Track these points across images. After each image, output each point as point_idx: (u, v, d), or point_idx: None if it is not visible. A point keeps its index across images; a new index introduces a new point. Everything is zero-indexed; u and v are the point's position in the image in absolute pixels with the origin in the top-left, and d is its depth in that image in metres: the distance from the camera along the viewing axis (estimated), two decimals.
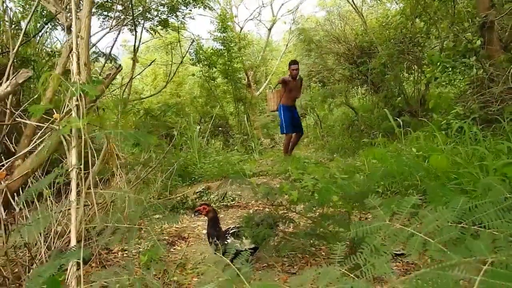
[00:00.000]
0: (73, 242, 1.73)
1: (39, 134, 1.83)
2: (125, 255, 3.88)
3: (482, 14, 5.64)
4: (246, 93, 11.27)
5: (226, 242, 2.91)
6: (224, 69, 10.54)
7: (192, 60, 10.67)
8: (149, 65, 7.79)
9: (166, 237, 4.53)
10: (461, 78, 6.92)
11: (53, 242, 3.11)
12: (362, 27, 10.19)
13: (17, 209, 1.75)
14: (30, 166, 1.76)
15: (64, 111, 1.86)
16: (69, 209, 3.68)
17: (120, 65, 2.34)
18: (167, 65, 12.35)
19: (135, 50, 4.49)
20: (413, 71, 9.11)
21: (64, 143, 1.82)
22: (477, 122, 4.94)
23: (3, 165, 1.87)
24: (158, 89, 10.55)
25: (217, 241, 2.93)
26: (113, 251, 3.83)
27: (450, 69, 6.79)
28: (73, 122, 1.56)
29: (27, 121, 1.91)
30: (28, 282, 1.12)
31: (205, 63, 10.49)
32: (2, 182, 1.63)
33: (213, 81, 10.95)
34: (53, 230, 3.25)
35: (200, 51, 10.34)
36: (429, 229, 0.92)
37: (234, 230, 3.03)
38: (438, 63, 6.62)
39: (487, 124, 4.98)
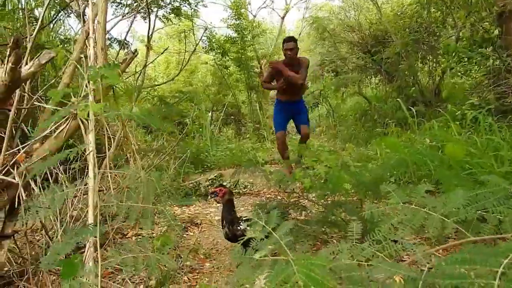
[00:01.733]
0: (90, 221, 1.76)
1: (56, 118, 1.86)
2: (139, 239, 3.95)
3: (500, 3, 5.55)
4: (259, 81, 11.24)
5: (239, 228, 2.92)
6: (237, 57, 10.52)
7: (205, 48, 10.67)
8: (161, 53, 7.81)
9: (179, 223, 4.58)
10: (477, 68, 6.82)
11: (69, 226, 3.18)
12: (377, 16, 10.07)
13: (36, 190, 1.79)
14: (49, 149, 1.79)
15: (81, 95, 1.89)
16: (85, 194, 3.75)
17: (136, 50, 2.36)
18: (180, 53, 12.37)
19: (149, 38, 4.50)
20: (427, 61, 9.00)
21: (82, 126, 1.85)
22: (492, 113, 4.88)
23: (20, 149, 1.90)
24: (171, 77, 10.57)
25: (230, 226, 2.94)
26: (127, 236, 3.90)
27: (466, 59, 6.71)
28: (90, 106, 1.58)
29: (45, 105, 1.94)
30: (45, 259, 1.15)
31: (218, 51, 10.48)
32: (22, 165, 1.67)
33: (226, 70, 10.94)
34: (68, 214, 3.32)
35: (213, 39, 10.33)
36: (443, 211, 0.92)
37: (249, 217, 3.03)
38: (454, 53, 6.54)
39: (502, 115, 4.93)
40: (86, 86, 1.86)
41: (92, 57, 1.82)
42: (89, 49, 1.89)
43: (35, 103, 1.91)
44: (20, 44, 0.89)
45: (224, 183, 5.67)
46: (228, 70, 11.08)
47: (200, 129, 8.85)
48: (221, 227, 3.01)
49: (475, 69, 6.88)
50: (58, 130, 1.79)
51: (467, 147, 4.07)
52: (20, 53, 0.91)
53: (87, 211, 3.48)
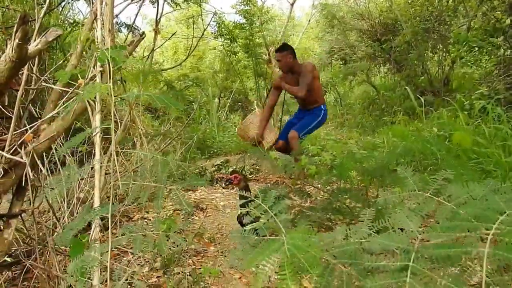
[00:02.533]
0: (97, 203, 1.78)
1: (64, 99, 1.87)
2: (144, 223, 3.99)
3: None
4: (267, 68, 11.19)
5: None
6: (245, 43, 10.46)
7: (214, 34, 10.61)
8: (169, 38, 7.80)
9: (190, 202, 4.62)
10: (487, 58, 6.75)
11: (76, 208, 3.21)
12: (387, 4, 9.95)
13: (44, 170, 1.81)
14: (56, 130, 1.80)
15: (89, 77, 1.89)
16: (91, 177, 3.78)
17: (143, 32, 2.35)
18: (188, 38, 12.31)
19: (157, 22, 4.48)
20: (437, 50, 8.90)
21: (89, 108, 1.86)
22: (502, 104, 4.84)
23: (27, 129, 1.92)
24: (178, 62, 10.55)
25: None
26: (133, 219, 3.94)
27: (476, 49, 6.63)
28: (97, 88, 1.58)
29: (53, 86, 1.95)
30: (60, 235, 1.16)
31: (227, 37, 10.42)
32: (29, 145, 1.68)
33: (234, 56, 10.89)
34: (75, 196, 3.35)
35: (222, 25, 10.27)
36: (457, 202, 0.93)
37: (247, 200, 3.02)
38: (465, 42, 6.47)
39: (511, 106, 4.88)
40: (94, 68, 1.87)
41: (99, 38, 1.82)
42: (96, 31, 1.88)
43: (43, 83, 1.93)
44: (27, 20, 0.89)
45: (230, 169, 5.70)
46: (236, 57, 11.03)
47: (207, 116, 8.86)
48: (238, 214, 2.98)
49: (485, 59, 6.81)
50: (66, 111, 1.80)
51: (475, 136, 4.05)
52: (27, 29, 0.91)
53: (93, 194, 3.52)
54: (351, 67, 10.94)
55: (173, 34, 5.89)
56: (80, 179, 3.81)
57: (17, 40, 0.88)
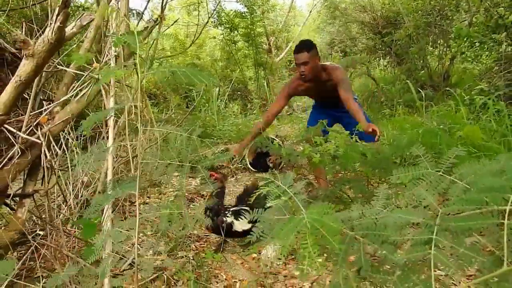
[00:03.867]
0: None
1: (79, 83, 1.90)
2: (146, 208, 4.03)
3: None
4: (267, 58, 11.19)
5: (225, 219, 2.91)
6: (246, 32, 10.46)
7: (214, 22, 10.60)
8: (171, 25, 7.76)
9: (186, 194, 4.67)
10: (488, 54, 6.78)
11: (80, 192, 3.25)
12: None
13: (60, 152, 1.84)
14: (70, 112, 1.83)
15: (103, 60, 1.92)
16: (94, 161, 3.80)
17: (157, 18, 2.37)
18: (188, 26, 12.28)
19: (162, 8, 4.48)
20: (438, 45, 8.93)
21: (103, 91, 1.89)
22: (502, 100, 4.89)
23: (42, 111, 1.94)
24: (179, 50, 10.53)
25: (215, 217, 2.91)
26: (134, 203, 3.98)
27: (477, 44, 6.66)
28: (113, 72, 1.61)
29: (67, 69, 1.98)
30: (88, 209, 1.20)
31: (227, 26, 10.41)
32: (45, 126, 1.71)
33: (234, 45, 10.89)
34: (80, 180, 3.39)
35: (223, 13, 10.26)
36: (468, 180, 0.97)
37: (237, 209, 3.02)
38: (466, 38, 6.50)
39: (511, 102, 4.93)
40: (108, 52, 1.89)
41: (114, 23, 1.84)
42: (111, 16, 1.91)
43: (57, 66, 1.95)
44: (68, 4, 0.92)
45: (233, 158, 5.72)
46: (236, 46, 11.03)
47: (207, 104, 8.87)
48: (204, 215, 2.88)
49: (486, 54, 6.84)
50: (80, 94, 1.83)
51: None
52: (68, 13, 0.94)
53: (97, 178, 3.56)
54: (351, 59, 10.96)
55: (175, 21, 5.86)
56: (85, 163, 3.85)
57: (58, 23, 0.91)
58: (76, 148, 3.17)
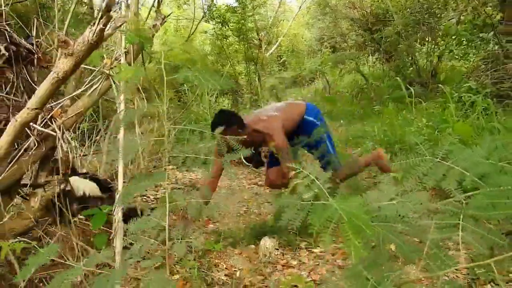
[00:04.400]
0: (120, 181, 1.88)
1: (90, 78, 1.96)
2: (144, 200, 4.10)
3: None
4: (258, 53, 11.24)
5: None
6: (237, 27, 10.49)
7: (205, 16, 10.60)
8: (166, 17, 7.76)
9: (181, 186, 4.75)
10: (475, 52, 6.94)
11: None
12: None
13: (74, 143, 1.90)
14: (82, 106, 1.89)
15: (114, 57, 1.98)
16: (94, 153, 3.85)
17: (165, 16, 2.43)
18: (178, 20, 12.26)
19: (159, 3, 4.51)
20: (426, 42, 9.08)
21: (114, 87, 1.95)
22: (489, 97, 5.04)
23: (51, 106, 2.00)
24: (170, 45, 10.53)
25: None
26: (134, 197, 4.05)
27: (465, 42, 6.81)
28: (126, 70, 1.68)
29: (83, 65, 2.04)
30: (119, 198, 1.27)
31: (218, 20, 10.42)
32: (58, 119, 1.77)
33: (225, 40, 10.91)
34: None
35: (214, 8, 10.27)
36: (464, 165, 1.07)
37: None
38: (454, 36, 6.64)
39: (498, 100, 5.09)
40: (119, 48, 1.95)
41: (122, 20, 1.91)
42: (121, 13, 1.97)
43: None
44: (110, 8, 0.99)
45: None
46: (227, 40, 11.05)
47: (198, 97, 8.91)
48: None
49: (473, 52, 7.00)
50: (92, 89, 1.89)
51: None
52: (111, 16, 1.01)
53: (96, 170, 3.61)
54: (340, 55, 11.08)
55: (169, 15, 5.90)
56: (83, 155, 3.90)
57: (101, 25, 0.98)
58: (75, 142, 3.22)
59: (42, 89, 1.09)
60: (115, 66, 1.81)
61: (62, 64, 1.04)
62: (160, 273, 1.12)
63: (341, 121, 8.40)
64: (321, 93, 11.80)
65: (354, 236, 0.83)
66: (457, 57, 7.66)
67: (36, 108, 1.11)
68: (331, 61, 11.49)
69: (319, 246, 2.90)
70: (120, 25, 1.09)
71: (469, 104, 4.85)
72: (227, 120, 3.09)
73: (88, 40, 0.98)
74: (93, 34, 0.97)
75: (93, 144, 4.07)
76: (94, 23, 0.99)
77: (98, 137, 4.08)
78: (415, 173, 1.09)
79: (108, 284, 0.95)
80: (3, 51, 1.67)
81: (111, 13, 1.08)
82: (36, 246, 1.25)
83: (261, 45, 12.31)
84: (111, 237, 2.07)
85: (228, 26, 10.62)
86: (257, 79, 10.71)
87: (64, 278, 0.95)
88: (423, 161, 1.13)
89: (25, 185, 1.83)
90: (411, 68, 8.71)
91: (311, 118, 3.42)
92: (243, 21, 10.31)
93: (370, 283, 0.91)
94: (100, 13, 0.98)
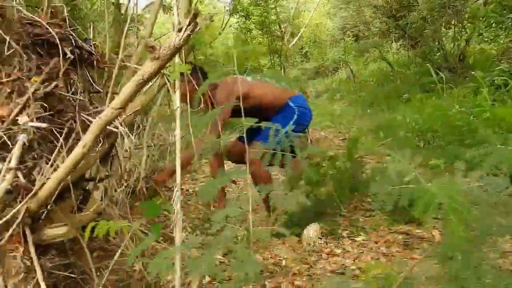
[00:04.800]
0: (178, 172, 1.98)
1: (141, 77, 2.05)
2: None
3: None
4: (282, 45, 11.29)
5: None
6: (260, 20, 10.56)
7: (229, 11, 10.71)
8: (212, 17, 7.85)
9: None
10: (506, 34, 6.79)
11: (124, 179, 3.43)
12: None
13: (134, 139, 2.02)
14: (140, 104, 2.00)
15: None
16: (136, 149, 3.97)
17: (211, 16, 2.52)
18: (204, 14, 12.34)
19: (190, 1, 4.62)
20: (452, 26, 8.91)
21: (168, 84, 2.06)
22: None
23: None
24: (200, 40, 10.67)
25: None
26: (171, 189, 4.18)
27: (494, 24, 6.67)
28: (180, 67, 1.76)
29: (128, 64, 2.15)
30: (203, 190, 1.36)
31: (242, 14, 10.51)
32: (119, 117, 1.88)
33: (249, 33, 11.00)
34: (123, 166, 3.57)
35: (237, 2, 10.36)
36: None
37: None
38: (483, 18, 6.50)
39: None
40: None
41: (176, 21, 2.00)
42: (173, 15, 2.06)
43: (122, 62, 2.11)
44: (197, 15, 1.08)
45: None
46: (251, 33, 11.14)
47: None
48: None
49: (504, 34, 6.84)
50: (148, 87, 2.00)
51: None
52: (197, 23, 1.10)
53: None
54: (364, 44, 10.98)
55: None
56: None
57: (188, 32, 1.07)
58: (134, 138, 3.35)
59: (125, 91, 1.19)
60: (169, 65, 1.91)
61: (148, 67, 1.14)
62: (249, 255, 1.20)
63: (368, 110, 8.36)
64: (345, 82, 11.75)
65: (456, 217, 0.89)
66: (486, 39, 7.51)
67: (120, 108, 1.21)
68: (354, 50, 11.42)
69: (361, 235, 2.94)
70: (199, 29, 1.17)
71: (504, 87, 4.79)
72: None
73: (174, 45, 1.07)
74: (180, 39, 1.06)
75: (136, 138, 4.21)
76: (180, 29, 1.08)
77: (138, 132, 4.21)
78: (490, 161, 1.13)
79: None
80: (69, 54, 1.79)
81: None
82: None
83: (284, 37, 12.34)
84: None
85: (250, 20, 10.69)
86: (282, 71, 10.76)
87: (165, 256, 1.06)
88: (495, 150, 1.17)
89: (88, 180, 1.95)
90: (438, 54, 8.58)
91: (292, 105, 3.21)
92: (266, 13, 10.37)
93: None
94: (188, 20, 1.07)
